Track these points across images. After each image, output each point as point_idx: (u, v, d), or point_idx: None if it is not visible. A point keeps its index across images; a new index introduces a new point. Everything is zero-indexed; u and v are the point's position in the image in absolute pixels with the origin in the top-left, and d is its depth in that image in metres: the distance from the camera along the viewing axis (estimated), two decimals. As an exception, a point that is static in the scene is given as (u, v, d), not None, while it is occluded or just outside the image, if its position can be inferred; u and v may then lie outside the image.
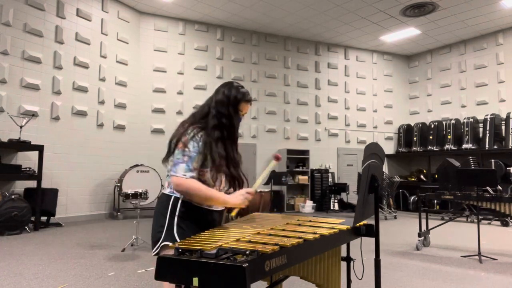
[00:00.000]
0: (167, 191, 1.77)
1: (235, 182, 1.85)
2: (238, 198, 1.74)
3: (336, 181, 10.39)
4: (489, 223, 7.70)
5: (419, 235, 5.13)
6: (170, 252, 1.50)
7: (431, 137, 10.34)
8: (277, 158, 2.03)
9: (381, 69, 11.48)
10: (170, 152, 1.77)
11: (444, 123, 10.18)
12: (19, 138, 6.11)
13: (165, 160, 1.79)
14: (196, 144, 1.72)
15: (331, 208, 9.91)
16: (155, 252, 1.68)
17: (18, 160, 6.46)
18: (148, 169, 7.77)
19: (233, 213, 1.76)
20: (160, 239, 1.67)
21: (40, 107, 6.83)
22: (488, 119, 9.11)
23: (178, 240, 1.62)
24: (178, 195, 1.73)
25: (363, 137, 11.04)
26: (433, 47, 10.99)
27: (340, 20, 9.17)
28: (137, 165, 7.78)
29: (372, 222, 1.96)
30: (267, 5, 8.40)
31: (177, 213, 1.70)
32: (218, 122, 1.79)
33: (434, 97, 11.02)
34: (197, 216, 1.74)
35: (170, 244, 1.61)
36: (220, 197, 1.72)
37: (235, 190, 1.84)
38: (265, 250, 1.25)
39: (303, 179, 9.90)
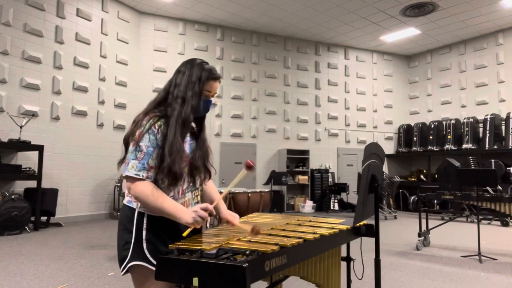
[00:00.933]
0: (126, 200, 1.50)
1: (170, 176, 1.44)
2: (188, 215, 1.37)
3: (336, 181, 10.39)
4: (489, 223, 7.69)
5: (419, 235, 5.13)
6: (143, 272, 1.41)
7: (431, 137, 10.34)
8: (248, 167, 1.56)
9: (381, 69, 11.48)
10: (126, 152, 1.47)
11: (444, 123, 10.18)
12: (19, 138, 6.11)
13: (121, 162, 1.48)
14: (153, 137, 1.43)
15: (331, 208, 9.91)
16: (123, 272, 1.44)
17: (18, 160, 6.46)
18: (148, 169, 7.76)
19: (185, 233, 1.41)
20: (127, 258, 1.42)
21: (40, 107, 6.83)
22: (488, 119, 9.11)
23: (150, 257, 1.41)
24: (141, 208, 1.46)
25: (363, 137, 11.04)
26: (433, 47, 10.99)
27: (340, 20, 9.17)
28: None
29: (372, 222, 1.96)
30: (267, 5, 8.40)
31: (144, 225, 1.44)
32: (179, 109, 1.48)
33: (434, 97, 11.02)
34: (169, 225, 1.46)
35: (140, 263, 1.40)
36: (171, 209, 1.38)
37: (199, 185, 1.58)
38: (265, 250, 1.24)
39: (303, 179, 9.90)
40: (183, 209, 1.39)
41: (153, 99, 1.56)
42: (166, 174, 1.42)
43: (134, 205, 1.47)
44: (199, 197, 1.63)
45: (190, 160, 1.55)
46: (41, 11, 6.92)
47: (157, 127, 1.44)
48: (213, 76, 1.56)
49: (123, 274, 1.45)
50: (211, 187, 1.77)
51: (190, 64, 1.58)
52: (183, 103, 1.49)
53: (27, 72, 6.66)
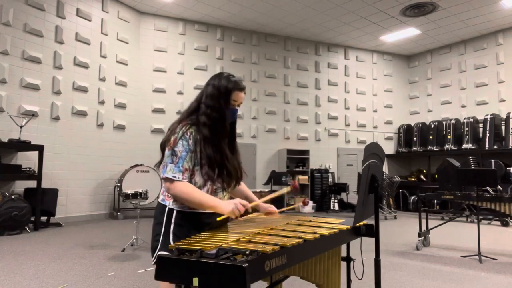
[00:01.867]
0: (160, 198, 1.73)
1: (230, 177, 1.74)
2: (229, 205, 1.60)
3: (336, 181, 10.39)
4: (489, 223, 7.70)
5: (419, 235, 5.13)
6: None
7: (431, 137, 10.34)
8: (294, 188, 1.94)
9: (381, 69, 11.48)
10: (162, 156, 1.69)
11: (444, 123, 10.18)
12: (19, 138, 6.11)
13: (159, 165, 1.70)
14: (185, 143, 1.63)
15: (331, 208, 9.91)
16: (153, 261, 1.62)
17: (18, 160, 6.46)
18: (148, 169, 7.77)
19: (219, 218, 1.64)
20: (157, 248, 1.62)
21: (40, 107, 6.83)
22: (488, 119, 9.11)
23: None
24: (172, 205, 1.67)
25: (363, 137, 11.04)
26: (433, 47, 10.99)
27: (340, 20, 9.17)
28: (137, 165, 7.78)
29: (372, 222, 1.96)
30: (267, 5, 8.40)
31: (173, 220, 1.64)
32: (209, 117, 1.69)
33: (434, 97, 11.02)
34: (194, 221, 1.67)
35: (166, 253, 1.51)
36: (211, 202, 1.60)
37: (231, 186, 1.78)
38: (265, 250, 1.25)
39: (303, 179, 9.90)
40: (221, 201, 1.62)
41: (186, 108, 1.79)
42: (224, 175, 1.70)
43: (167, 202, 1.68)
44: (226, 198, 1.81)
45: (222, 160, 1.73)
46: (41, 11, 6.92)
47: (189, 134, 1.64)
48: (239, 87, 1.75)
49: (154, 263, 1.55)
50: (245, 188, 2.01)
51: (219, 77, 1.76)
52: (218, 113, 1.69)
53: (27, 72, 6.66)
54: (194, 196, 1.58)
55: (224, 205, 1.59)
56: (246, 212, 1.64)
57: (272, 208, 1.98)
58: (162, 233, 1.62)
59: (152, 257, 1.64)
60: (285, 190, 1.98)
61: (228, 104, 1.73)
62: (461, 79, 10.37)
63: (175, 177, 1.60)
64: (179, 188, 1.59)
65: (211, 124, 1.68)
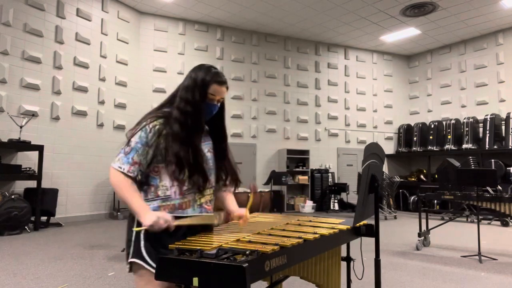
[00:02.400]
0: None
1: (198, 180, 1.53)
2: (150, 217, 1.40)
3: (336, 181, 10.39)
4: (489, 223, 7.69)
5: (419, 235, 5.13)
6: (142, 272, 1.45)
7: (431, 137, 10.34)
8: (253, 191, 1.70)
9: (381, 69, 11.48)
10: None
11: (444, 123, 10.18)
12: (19, 138, 6.11)
13: None
14: (143, 135, 1.49)
15: (331, 208, 9.91)
16: (127, 269, 1.53)
17: (18, 160, 6.46)
18: (148, 169, 7.76)
19: (136, 228, 1.44)
20: (129, 255, 1.49)
21: (40, 107, 6.83)
22: (488, 119, 9.11)
23: (146, 256, 1.45)
24: None
25: (363, 137, 11.04)
26: (433, 47, 10.99)
27: (340, 20, 9.17)
28: None
29: (372, 222, 1.96)
30: (267, 5, 8.40)
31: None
32: (182, 111, 1.53)
33: (434, 97, 11.02)
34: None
35: (138, 261, 1.46)
36: (136, 207, 1.44)
37: (200, 189, 1.55)
38: (265, 250, 1.25)
39: (303, 179, 9.89)
40: (147, 210, 1.44)
41: (161, 102, 1.65)
42: (195, 177, 1.51)
43: None
44: (206, 199, 1.61)
45: (189, 160, 1.53)
46: (41, 11, 6.92)
47: (151, 126, 1.50)
48: (217, 79, 1.58)
49: (128, 271, 1.52)
50: (228, 195, 1.80)
51: (198, 68, 1.62)
52: (191, 106, 1.54)
53: (27, 72, 6.66)
54: (124, 194, 1.45)
55: (146, 215, 1.40)
56: (167, 230, 1.43)
57: (241, 212, 1.72)
58: (133, 239, 1.49)
59: (126, 263, 1.52)
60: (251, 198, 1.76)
61: (205, 98, 1.56)
62: (461, 79, 10.37)
63: (120, 168, 1.47)
64: (117, 178, 1.47)
65: (183, 119, 1.52)
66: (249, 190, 1.82)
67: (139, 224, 1.44)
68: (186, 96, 1.55)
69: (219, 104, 1.64)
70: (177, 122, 1.51)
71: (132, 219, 1.52)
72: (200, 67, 1.61)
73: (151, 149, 1.50)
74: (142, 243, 1.47)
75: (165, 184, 1.52)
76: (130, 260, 1.48)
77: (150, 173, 1.53)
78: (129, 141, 1.50)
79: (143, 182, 1.54)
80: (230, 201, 1.79)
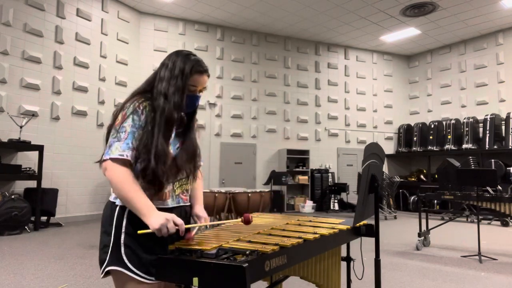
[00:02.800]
0: (112, 197, 1.40)
1: (155, 182, 1.35)
2: (158, 220, 1.25)
3: (336, 181, 10.39)
4: (489, 223, 7.69)
5: (419, 235, 5.13)
6: (122, 278, 1.33)
7: (431, 137, 10.34)
8: (246, 222, 1.49)
9: (381, 69, 11.48)
10: (107, 142, 1.36)
11: (444, 123, 10.18)
12: (19, 138, 6.11)
13: (100, 161, 1.35)
14: (137, 118, 1.34)
15: (331, 208, 9.91)
16: (102, 276, 1.37)
17: (18, 160, 6.46)
18: (148, 169, 7.77)
19: (140, 232, 1.28)
20: (105, 262, 1.34)
21: (40, 107, 6.83)
22: (488, 119, 9.11)
23: (128, 263, 1.31)
24: (121, 203, 1.36)
25: (363, 137, 11.04)
26: (433, 47, 10.99)
27: (340, 20, 9.17)
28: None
29: (372, 222, 1.96)
30: (267, 5, 8.40)
31: (123, 229, 1.34)
32: (162, 107, 1.37)
33: (434, 97, 11.02)
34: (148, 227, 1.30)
35: (117, 269, 1.32)
36: (142, 208, 1.27)
37: (156, 190, 1.38)
38: (265, 250, 1.25)
39: (303, 179, 9.90)
40: (154, 210, 1.28)
41: (136, 89, 1.47)
42: (152, 177, 1.34)
43: (118, 201, 1.37)
44: (182, 189, 1.49)
45: (174, 160, 1.43)
46: (41, 11, 6.92)
47: (141, 108, 1.36)
48: (198, 69, 1.43)
49: (102, 277, 1.38)
50: (199, 186, 1.64)
51: (175, 55, 1.44)
52: (165, 100, 1.38)
53: (27, 72, 6.66)
54: (126, 190, 1.27)
55: (154, 218, 1.25)
56: (178, 235, 1.32)
57: (206, 218, 1.55)
58: (111, 244, 1.33)
59: (101, 269, 1.36)
60: (232, 221, 1.64)
61: (183, 90, 1.41)
62: (461, 79, 10.37)
63: (122, 155, 1.29)
64: (118, 173, 1.28)
65: (160, 111, 1.37)
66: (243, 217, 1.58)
67: (135, 225, 1.31)
68: (162, 88, 1.40)
69: (201, 94, 1.49)
70: (160, 121, 1.37)
71: (109, 223, 1.36)
72: (177, 54, 1.45)
73: (144, 132, 1.34)
74: (122, 248, 1.32)
75: (142, 178, 1.36)
76: (108, 268, 1.33)
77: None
78: (121, 126, 1.33)
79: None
80: (197, 192, 1.62)
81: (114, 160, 1.30)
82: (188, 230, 1.39)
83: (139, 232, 1.28)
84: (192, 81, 1.43)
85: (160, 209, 1.34)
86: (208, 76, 1.49)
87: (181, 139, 1.50)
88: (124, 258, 1.32)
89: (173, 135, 1.45)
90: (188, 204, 1.54)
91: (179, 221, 1.30)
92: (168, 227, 1.25)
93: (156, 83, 1.43)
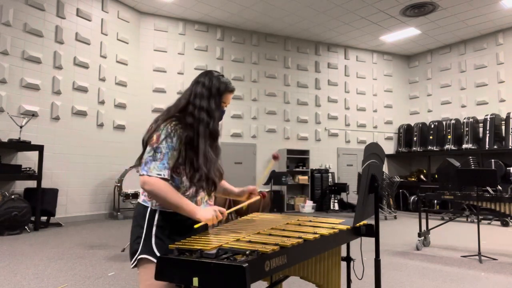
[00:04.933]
0: (141, 199, 1.61)
1: (209, 184, 1.63)
2: (208, 212, 1.52)
3: (336, 181, 10.39)
4: (489, 223, 7.70)
5: (419, 235, 5.13)
6: (149, 266, 1.48)
7: (431, 137, 10.34)
8: (275, 157, 1.92)
9: (381, 69, 11.48)
10: (143, 152, 1.58)
11: (444, 123, 10.18)
12: (19, 138, 6.11)
13: (139, 161, 1.59)
14: (170, 140, 1.53)
15: (331, 208, 9.91)
16: (133, 265, 1.55)
17: (18, 160, 6.46)
18: (148, 169, 7.76)
19: (197, 225, 1.51)
20: (138, 251, 1.52)
21: (40, 107, 6.83)
22: (488, 119, 9.11)
23: (157, 253, 1.49)
24: (154, 206, 1.57)
25: (363, 137, 11.04)
26: (433, 47, 10.99)
27: (340, 20, 9.17)
28: (137, 165, 7.77)
29: (372, 222, 1.96)
30: (267, 5, 8.40)
31: (155, 222, 1.54)
32: (198, 118, 1.60)
33: (434, 97, 11.02)
34: (177, 223, 1.57)
35: (148, 257, 1.50)
36: (188, 207, 1.51)
37: (209, 193, 1.68)
38: (265, 250, 1.25)
39: (303, 179, 9.89)
40: (199, 208, 1.53)
41: (173, 104, 1.68)
42: (205, 182, 1.60)
43: (148, 203, 1.57)
44: (207, 197, 1.72)
45: (206, 165, 1.67)
46: (41, 11, 6.92)
47: (173, 131, 1.54)
48: (229, 89, 1.70)
49: (133, 267, 1.55)
50: (223, 182, 1.93)
51: (209, 76, 1.68)
52: (208, 115, 1.62)
53: (27, 72, 6.66)
54: (172, 197, 1.49)
55: (202, 212, 1.51)
56: (220, 220, 1.57)
57: (252, 189, 1.91)
58: (143, 236, 1.53)
59: (131, 260, 1.55)
60: (270, 164, 2.01)
61: (220, 106, 1.68)
62: (461, 79, 10.37)
63: (160, 174, 1.50)
64: (158, 185, 1.48)
65: (198, 125, 1.60)
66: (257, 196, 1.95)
67: (170, 226, 1.54)
68: (201, 104, 1.62)
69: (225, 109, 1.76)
70: (192, 129, 1.59)
71: (142, 216, 1.55)
72: (210, 75, 1.68)
73: (176, 152, 1.55)
74: (153, 239, 1.52)
75: (186, 185, 1.60)
76: (141, 256, 1.51)
77: (173, 174, 1.58)
78: (157, 147, 1.52)
79: None
80: (226, 185, 1.93)
81: (151, 176, 1.51)
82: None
83: (195, 226, 1.51)
84: (224, 98, 1.69)
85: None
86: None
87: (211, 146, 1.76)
88: (154, 248, 1.50)
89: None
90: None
91: (223, 209, 1.56)
92: (216, 215, 1.52)
93: (192, 98, 1.65)
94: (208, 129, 1.62)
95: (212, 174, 1.62)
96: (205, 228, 1.67)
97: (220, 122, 1.73)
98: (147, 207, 1.57)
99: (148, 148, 1.55)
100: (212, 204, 1.74)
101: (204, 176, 1.59)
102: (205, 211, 1.52)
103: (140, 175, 1.53)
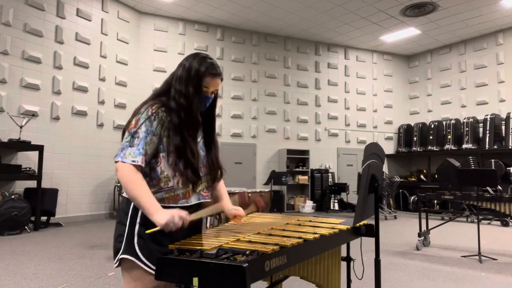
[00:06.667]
0: (125, 192, 1.46)
1: (189, 178, 1.47)
2: (164, 216, 1.31)
3: (336, 181, 10.39)
4: (489, 223, 7.70)
5: (419, 235, 5.13)
6: (132, 267, 1.39)
7: (431, 137, 10.34)
8: (258, 207, 1.69)
9: (381, 69, 11.48)
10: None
11: (444, 123, 10.18)
12: (19, 138, 6.11)
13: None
14: (148, 123, 1.42)
15: (331, 208, 9.91)
16: (115, 265, 1.45)
17: (18, 160, 6.46)
18: (148, 169, 7.77)
19: (148, 231, 1.33)
20: (120, 251, 1.42)
21: (40, 107, 6.83)
22: (488, 119, 9.11)
23: (139, 253, 1.39)
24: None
25: (363, 137, 11.04)
26: (433, 47, 10.99)
27: (340, 20, 9.17)
28: None
29: (372, 222, 1.96)
30: (267, 5, 8.40)
31: (138, 220, 1.42)
32: (176, 104, 1.47)
33: (434, 97, 11.02)
34: None
35: (130, 258, 1.39)
36: (146, 204, 1.34)
37: (194, 188, 1.51)
38: (265, 250, 1.25)
39: (303, 179, 9.89)
40: (159, 208, 1.34)
41: (154, 90, 1.59)
42: (185, 179, 1.46)
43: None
44: (203, 186, 1.59)
45: (206, 159, 1.59)
46: (41, 11, 6.92)
47: (154, 115, 1.43)
48: (211, 72, 1.50)
49: (116, 267, 1.46)
50: (221, 186, 1.76)
51: (193, 57, 1.53)
52: (186, 101, 1.47)
53: (27, 72, 6.66)
54: (135, 190, 1.35)
55: (159, 215, 1.32)
56: (182, 227, 1.37)
57: (239, 211, 1.70)
58: (125, 234, 1.42)
59: (114, 260, 1.44)
60: (210, 210, 1.63)
61: (199, 91, 1.50)
62: (461, 79, 10.37)
63: (134, 161, 1.37)
64: (127, 173, 1.36)
65: (178, 111, 1.47)
66: (254, 204, 1.77)
67: (144, 223, 1.39)
68: (179, 88, 1.48)
69: (213, 96, 1.58)
70: (175, 114, 1.46)
71: (124, 213, 1.45)
72: (194, 56, 1.53)
73: (155, 137, 1.43)
74: (135, 239, 1.40)
75: (167, 175, 1.46)
76: (121, 256, 1.41)
77: (152, 164, 1.46)
78: (134, 132, 1.41)
79: (145, 173, 1.46)
80: (221, 192, 1.74)
81: (125, 163, 1.38)
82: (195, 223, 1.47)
83: (147, 231, 1.33)
84: (205, 82, 1.51)
85: (183, 207, 1.46)
86: (222, 79, 1.57)
87: (206, 140, 1.63)
88: (136, 248, 1.40)
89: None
90: (208, 200, 1.64)
91: (183, 213, 1.36)
92: (174, 221, 1.32)
93: (174, 82, 1.52)
94: (186, 116, 1.47)
95: (194, 164, 1.47)
96: (192, 233, 1.50)
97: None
98: (130, 201, 1.44)
99: (126, 134, 1.44)
100: (207, 195, 1.61)
101: (184, 173, 1.45)
102: (162, 214, 1.32)
103: (115, 162, 1.40)
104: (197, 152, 1.52)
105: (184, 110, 1.47)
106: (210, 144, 1.63)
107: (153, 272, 1.37)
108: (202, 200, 1.58)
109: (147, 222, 1.39)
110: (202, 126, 1.61)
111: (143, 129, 1.41)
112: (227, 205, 1.71)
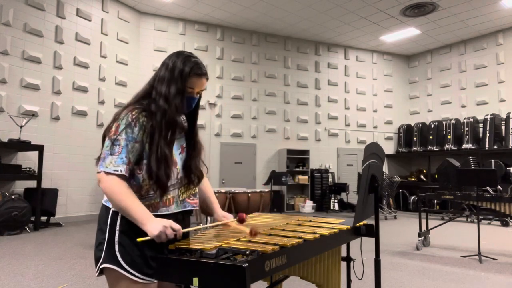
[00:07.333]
0: (104, 199, 1.42)
1: (158, 187, 1.38)
2: (156, 226, 1.25)
3: (336, 181, 10.39)
4: (489, 223, 7.69)
5: (419, 235, 5.13)
6: (115, 276, 1.33)
7: (431, 137, 10.34)
8: (240, 220, 1.61)
9: (381, 69, 11.48)
10: (102, 147, 1.37)
11: (444, 123, 10.18)
12: (19, 138, 6.11)
13: (98, 159, 1.37)
14: (130, 131, 1.34)
15: (331, 208, 9.91)
16: (97, 274, 1.38)
17: (18, 160, 6.46)
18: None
19: (140, 239, 1.27)
20: (100, 259, 1.35)
21: (40, 107, 6.83)
22: (488, 119, 9.11)
23: (121, 260, 1.32)
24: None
25: (363, 137, 11.04)
26: (433, 47, 10.99)
27: (340, 20, 9.17)
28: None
29: (372, 222, 1.96)
30: (267, 5, 8.40)
31: (117, 227, 1.35)
32: (156, 106, 1.38)
33: (434, 97, 11.02)
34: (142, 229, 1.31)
35: (111, 267, 1.32)
36: (137, 214, 1.27)
37: (161, 195, 1.40)
38: (265, 250, 1.25)
39: (303, 179, 9.89)
40: (151, 217, 1.29)
41: (136, 93, 1.47)
42: (155, 182, 1.36)
43: (110, 204, 1.39)
44: (188, 193, 1.53)
45: (183, 163, 1.50)
46: (41, 11, 6.92)
47: (135, 121, 1.35)
48: (196, 72, 1.42)
49: (97, 275, 1.39)
50: (206, 185, 1.70)
51: (176, 56, 1.44)
52: (166, 102, 1.38)
53: (27, 72, 6.66)
54: (121, 199, 1.28)
55: (150, 222, 1.26)
56: (175, 239, 1.32)
57: (227, 216, 1.66)
58: (105, 242, 1.34)
59: (96, 267, 1.37)
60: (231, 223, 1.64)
61: (182, 92, 1.41)
62: (461, 79, 10.37)
63: (117, 170, 1.30)
64: (111, 184, 1.29)
65: (157, 113, 1.38)
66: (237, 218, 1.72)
67: (134, 231, 1.32)
68: (160, 89, 1.40)
69: (198, 96, 1.49)
70: (155, 117, 1.38)
71: (104, 220, 1.38)
72: (178, 55, 1.44)
73: (137, 144, 1.35)
74: (116, 246, 1.33)
75: (148, 183, 1.39)
76: (103, 266, 1.34)
77: (135, 171, 1.38)
78: (115, 139, 1.32)
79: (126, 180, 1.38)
80: (208, 194, 1.69)
81: (108, 173, 1.31)
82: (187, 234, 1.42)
83: (138, 240, 1.28)
84: (190, 83, 1.42)
85: (163, 216, 1.39)
86: (207, 79, 1.49)
87: (182, 143, 1.52)
88: (118, 255, 1.33)
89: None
90: (197, 207, 1.56)
91: (177, 226, 1.30)
92: (166, 233, 1.26)
93: (156, 83, 1.43)
94: (165, 120, 1.37)
95: (162, 174, 1.36)
96: (181, 238, 1.39)
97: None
98: (109, 208, 1.38)
99: (106, 141, 1.35)
100: (194, 202, 1.55)
101: (154, 176, 1.35)
102: (154, 224, 1.26)
103: (97, 172, 1.33)
104: (170, 156, 1.41)
105: (162, 112, 1.38)
106: (192, 146, 1.54)
107: (137, 279, 1.32)
108: (189, 208, 1.51)
109: (127, 229, 1.34)
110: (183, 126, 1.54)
111: (124, 136, 1.33)
112: (217, 210, 1.67)
